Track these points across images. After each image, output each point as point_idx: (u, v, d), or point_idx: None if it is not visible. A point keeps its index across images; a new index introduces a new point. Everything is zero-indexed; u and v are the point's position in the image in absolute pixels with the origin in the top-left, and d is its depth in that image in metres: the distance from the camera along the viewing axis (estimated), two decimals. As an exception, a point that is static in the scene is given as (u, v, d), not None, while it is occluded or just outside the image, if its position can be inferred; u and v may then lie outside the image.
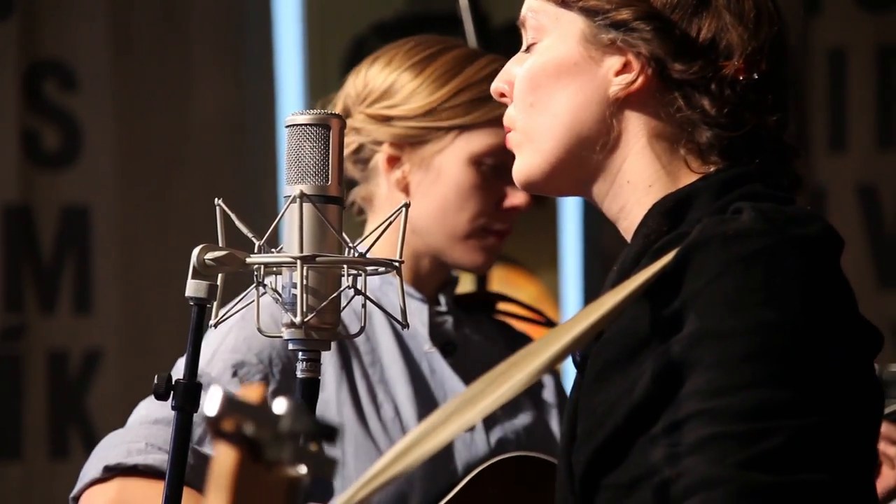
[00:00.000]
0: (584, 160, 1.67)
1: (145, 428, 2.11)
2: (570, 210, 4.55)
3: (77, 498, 2.11)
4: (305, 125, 1.73)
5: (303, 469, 1.18)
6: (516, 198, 2.30)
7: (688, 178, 1.65)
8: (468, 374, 2.30)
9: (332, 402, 2.16)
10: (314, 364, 1.72)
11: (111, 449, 2.10)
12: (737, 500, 1.38)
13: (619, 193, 1.67)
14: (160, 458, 2.08)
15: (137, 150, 4.46)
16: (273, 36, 4.41)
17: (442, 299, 2.35)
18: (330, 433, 1.18)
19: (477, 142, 2.27)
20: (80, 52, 4.40)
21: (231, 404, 1.16)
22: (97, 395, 4.27)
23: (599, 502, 1.50)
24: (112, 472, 2.07)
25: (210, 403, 1.15)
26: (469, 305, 2.44)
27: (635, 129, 1.66)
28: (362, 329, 1.78)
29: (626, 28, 1.64)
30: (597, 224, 4.45)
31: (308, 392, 1.72)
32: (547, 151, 1.68)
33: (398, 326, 2.14)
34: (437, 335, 2.32)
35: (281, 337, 1.74)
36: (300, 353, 1.72)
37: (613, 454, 1.49)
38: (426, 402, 2.25)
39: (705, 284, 1.49)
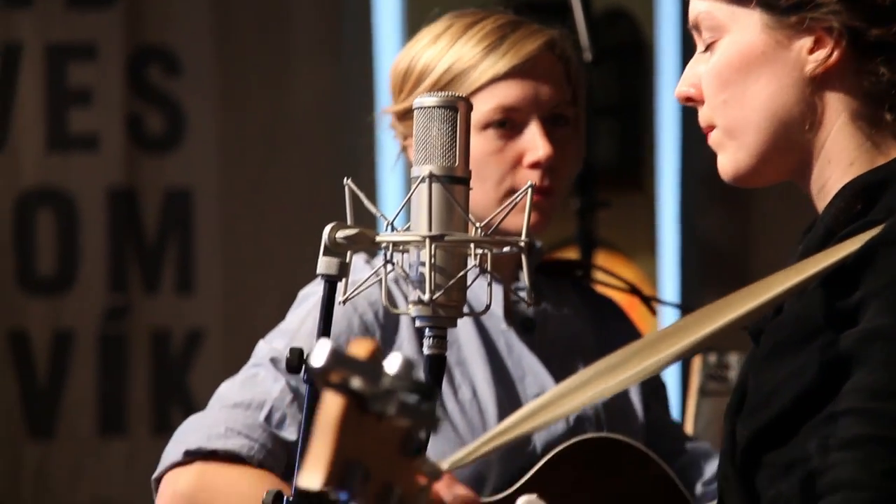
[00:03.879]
0: (789, 146, 1.66)
1: (225, 412, 2.13)
2: (667, 195, 4.56)
3: (159, 480, 2.13)
4: (433, 107, 1.75)
5: (412, 422, 1.20)
6: (534, 154, 2.23)
7: (889, 155, 1.64)
8: (547, 351, 2.29)
9: None
10: (441, 341, 1.75)
11: (192, 433, 2.12)
12: None
13: (822, 174, 1.66)
14: (239, 443, 2.09)
15: (239, 134, 4.52)
16: (372, 20, 4.46)
17: (522, 275, 2.30)
18: (429, 393, 1.19)
19: (476, 111, 2.20)
20: (184, 38, 4.47)
21: (338, 358, 1.17)
22: (198, 374, 4.34)
23: (759, 478, 1.52)
24: (192, 456, 2.10)
25: (317, 356, 1.16)
26: (554, 273, 2.41)
27: (835, 104, 1.64)
28: (488, 307, 1.81)
29: (812, 5, 1.63)
30: (694, 210, 4.46)
31: (435, 368, 1.74)
32: (752, 145, 1.67)
33: (475, 306, 2.13)
34: (514, 313, 2.30)
35: (408, 314, 1.77)
36: (427, 330, 1.75)
37: (776, 435, 1.51)
38: (504, 381, 2.23)
39: (887, 284, 1.49)
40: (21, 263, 4.47)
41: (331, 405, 1.16)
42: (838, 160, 1.64)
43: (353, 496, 1.16)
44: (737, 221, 4.34)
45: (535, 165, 2.24)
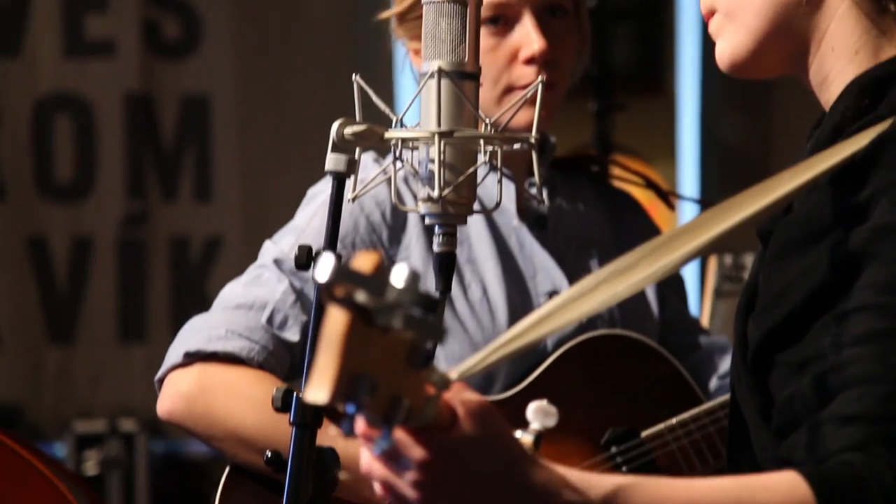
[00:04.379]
0: (790, 30, 1.59)
1: (227, 314, 2.12)
2: (688, 100, 4.52)
3: (162, 381, 2.12)
4: (443, 2, 1.72)
5: (418, 335, 1.18)
6: (528, 49, 2.17)
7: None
8: (560, 248, 2.26)
9: None
10: (451, 238, 1.73)
11: (193, 334, 2.11)
12: (894, 402, 1.39)
13: (824, 63, 1.60)
14: (239, 345, 2.08)
15: (255, 39, 4.49)
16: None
17: (535, 171, 2.28)
18: (431, 304, 1.18)
19: None
20: (200, -58, 4.45)
21: (342, 272, 1.15)
22: (217, 280, 4.35)
23: (772, 378, 1.51)
24: (192, 357, 2.08)
25: (321, 270, 1.15)
26: (569, 169, 2.37)
27: None
28: (498, 204, 1.80)
29: None
30: (714, 115, 4.42)
31: (445, 266, 1.73)
32: (751, 27, 1.61)
33: (487, 204, 2.10)
34: (527, 210, 2.26)
35: (417, 211, 1.75)
36: (437, 228, 1.73)
37: (788, 334, 1.49)
38: (515, 279, 2.20)
39: (895, 180, 1.47)
40: (39, 170, 4.48)
41: (335, 319, 1.15)
42: (842, 48, 1.59)
43: (360, 409, 1.15)
44: (757, 125, 4.30)
45: (530, 61, 2.19)
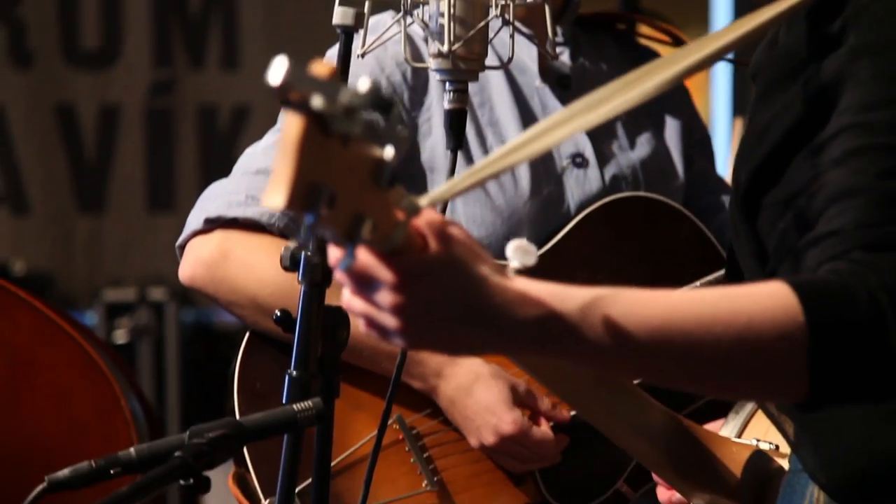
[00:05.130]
0: None
1: (247, 179, 2.09)
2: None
3: (183, 247, 2.10)
4: None
5: (387, 151, 1.15)
6: None
7: None
8: None
9: (439, 146, 2.10)
10: (461, 95, 1.71)
11: (213, 200, 2.08)
12: (874, 209, 1.35)
13: None
14: (259, 211, 2.05)
15: None
16: None
17: (559, 30, 2.21)
18: (386, 106, 1.14)
19: None
20: None
21: (296, 74, 1.10)
22: (245, 149, 4.34)
23: (761, 220, 1.49)
24: (213, 224, 2.06)
25: (275, 71, 1.10)
26: (594, 27, 2.30)
27: None
28: (510, 59, 1.77)
29: None
30: (748, -22, 4.34)
31: (455, 122, 1.71)
32: None
33: (509, 66, 2.07)
34: (549, 70, 2.20)
35: (428, 67, 1.72)
36: (447, 84, 1.70)
37: (772, 172, 1.47)
38: None
39: (867, 4, 1.44)
40: (65, 37, 4.45)
41: (291, 125, 1.10)
42: None
43: (319, 220, 1.13)
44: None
45: None
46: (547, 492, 2.08)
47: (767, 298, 1.30)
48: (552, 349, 1.28)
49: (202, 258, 2.07)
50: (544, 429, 2.05)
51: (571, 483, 2.10)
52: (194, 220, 2.09)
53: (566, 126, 1.33)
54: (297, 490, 1.71)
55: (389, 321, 1.23)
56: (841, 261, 1.33)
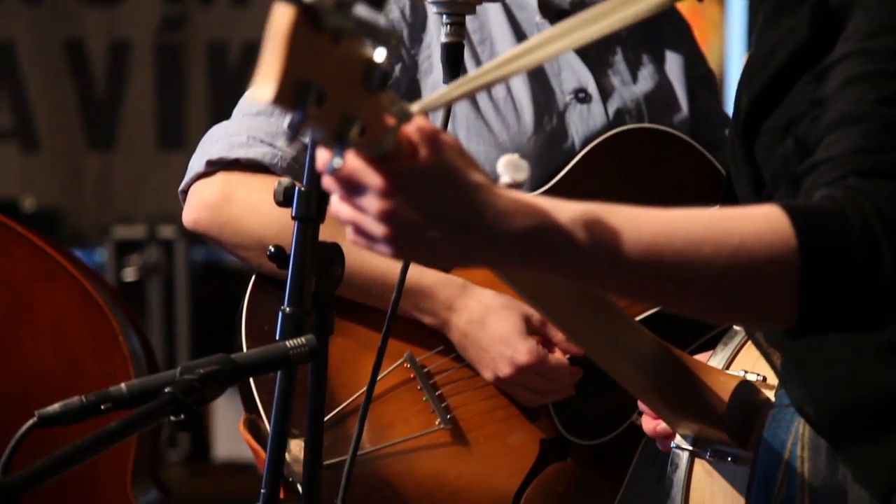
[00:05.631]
0: None
1: (248, 120, 2.07)
2: None
3: (186, 191, 2.10)
4: None
5: (378, 51, 1.12)
6: None
7: None
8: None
9: (440, 84, 2.08)
10: (458, 28, 1.69)
11: (215, 142, 2.07)
12: (872, 136, 1.34)
13: None
14: (261, 151, 2.05)
15: None
16: None
17: None
18: (378, 0, 1.12)
19: None
20: None
21: None
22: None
23: (759, 145, 1.47)
24: (215, 166, 2.05)
25: None
26: None
27: None
28: (507, -9, 1.74)
29: None
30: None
31: (452, 56, 1.69)
32: None
33: (507, 1, 2.05)
34: (549, 4, 2.18)
35: (425, 0, 1.70)
36: (444, 17, 1.68)
37: (774, 95, 1.45)
38: (539, 76, 2.13)
39: None
40: (75, -29, 4.42)
41: (280, 16, 1.08)
42: None
43: (307, 118, 1.10)
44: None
45: None
46: (562, 426, 2.08)
47: (761, 221, 1.28)
48: (541, 262, 1.25)
49: (205, 201, 2.06)
50: (559, 356, 2.04)
51: (586, 417, 2.09)
52: (196, 162, 2.08)
53: (561, 41, 1.31)
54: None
55: (376, 228, 1.21)
56: (837, 186, 1.31)
